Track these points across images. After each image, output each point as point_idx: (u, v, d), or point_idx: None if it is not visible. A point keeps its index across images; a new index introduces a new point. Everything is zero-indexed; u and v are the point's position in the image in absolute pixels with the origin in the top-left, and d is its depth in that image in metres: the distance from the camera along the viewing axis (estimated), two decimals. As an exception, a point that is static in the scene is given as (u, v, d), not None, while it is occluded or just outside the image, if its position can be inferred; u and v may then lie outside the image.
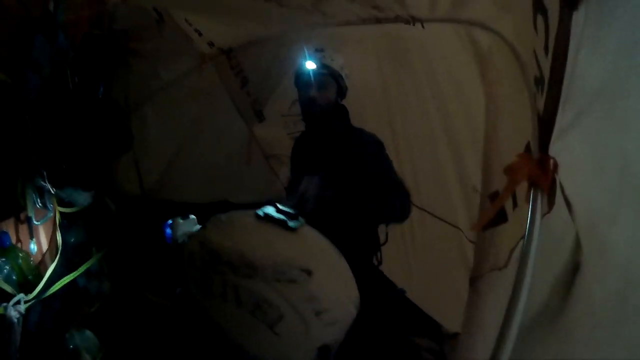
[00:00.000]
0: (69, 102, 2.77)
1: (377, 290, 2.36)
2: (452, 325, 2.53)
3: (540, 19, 0.94)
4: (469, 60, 1.91)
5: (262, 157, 3.78)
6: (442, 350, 2.50)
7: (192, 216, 2.30)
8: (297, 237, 1.28)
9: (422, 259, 2.82)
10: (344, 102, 2.42)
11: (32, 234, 2.39)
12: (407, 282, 2.80)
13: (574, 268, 0.82)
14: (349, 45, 2.76)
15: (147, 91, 3.54)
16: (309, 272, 1.12)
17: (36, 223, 2.38)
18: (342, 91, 2.38)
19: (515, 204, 1.04)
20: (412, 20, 2.25)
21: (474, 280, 1.44)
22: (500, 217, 1.12)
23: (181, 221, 2.26)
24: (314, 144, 2.37)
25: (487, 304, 1.38)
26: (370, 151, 2.24)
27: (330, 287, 1.20)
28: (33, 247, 2.38)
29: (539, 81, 0.91)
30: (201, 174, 3.68)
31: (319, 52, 2.39)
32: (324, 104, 2.34)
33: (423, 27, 2.26)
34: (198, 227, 2.26)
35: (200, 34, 3.13)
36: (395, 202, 2.09)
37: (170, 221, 2.27)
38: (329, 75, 2.34)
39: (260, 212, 1.39)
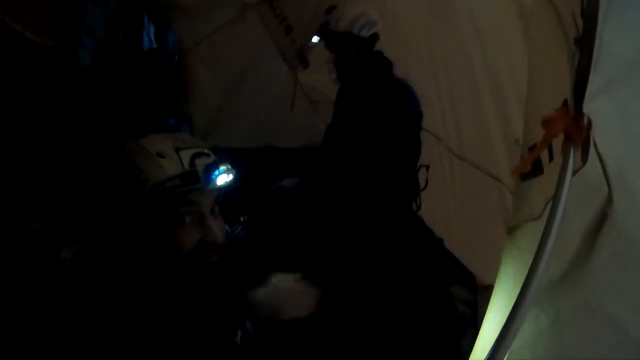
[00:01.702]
0: (116, 57, 2.88)
1: (415, 237, 2.44)
2: (486, 277, 2.56)
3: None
4: (513, 17, 1.89)
5: (307, 103, 3.83)
6: (476, 301, 2.55)
7: None
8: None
9: (462, 209, 2.84)
10: (388, 51, 2.44)
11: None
12: (445, 230, 2.85)
13: (603, 217, 0.87)
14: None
15: (189, 42, 3.61)
16: None
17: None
18: (365, 42, 2.38)
19: (551, 157, 1.07)
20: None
21: (512, 230, 1.48)
22: (537, 169, 1.15)
23: None
24: (352, 96, 2.42)
25: (522, 252, 1.43)
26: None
27: None
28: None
29: (577, 42, 0.93)
30: (248, 119, 3.78)
31: (328, 14, 2.43)
32: (348, 60, 2.40)
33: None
34: None
35: (242, -17, 3.15)
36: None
37: None
38: (339, 37, 2.38)
39: None
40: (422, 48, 2.76)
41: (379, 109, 2.24)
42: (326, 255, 2.12)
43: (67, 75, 2.49)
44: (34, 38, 2.32)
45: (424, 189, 2.52)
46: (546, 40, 1.28)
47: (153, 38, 3.72)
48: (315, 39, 2.49)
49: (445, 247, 2.77)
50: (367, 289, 2.09)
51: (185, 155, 1.04)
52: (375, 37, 2.40)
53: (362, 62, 2.38)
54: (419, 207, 2.52)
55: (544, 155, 1.08)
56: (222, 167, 1.06)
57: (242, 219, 2.38)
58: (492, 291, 1.40)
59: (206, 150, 1.10)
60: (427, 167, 2.56)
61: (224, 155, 1.11)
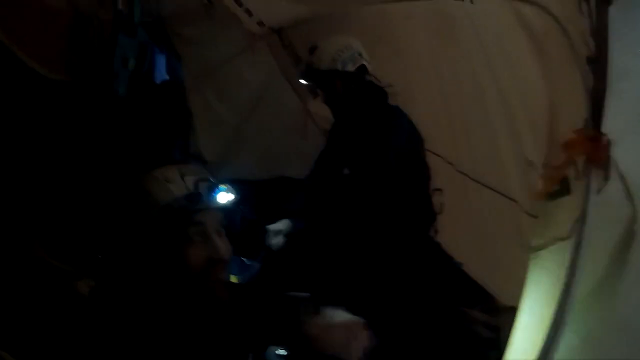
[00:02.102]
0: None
1: (434, 262, 2.41)
2: (507, 299, 2.48)
3: (584, 4, 0.99)
4: (520, 36, 1.91)
5: (318, 132, 3.83)
6: (498, 323, 2.50)
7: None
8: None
9: (478, 231, 2.82)
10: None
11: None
12: (463, 254, 2.82)
13: (630, 236, 0.87)
14: (398, 21, 2.78)
15: (199, 73, 3.65)
16: None
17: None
18: (352, 77, 2.38)
19: (578, 177, 1.07)
20: (462, -5, 2.24)
21: (537, 250, 1.47)
22: (564, 189, 1.16)
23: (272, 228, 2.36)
24: (344, 131, 2.42)
25: (549, 272, 1.41)
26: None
27: None
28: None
29: (590, 61, 0.95)
30: (259, 149, 3.78)
31: (312, 54, 2.44)
32: (337, 97, 2.42)
33: (472, 2, 2.24)
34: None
35: (250, 15, 3.19)
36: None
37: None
38: (324, 76, 2.39)
39: None
40: (430, 71, 2.78)
41: (368, 138, 2.24)
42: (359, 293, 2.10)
43: (87, 108, 2.51)
44: (39, 69, 2.33)
45: (440, 213, 2.50)
46: (558, 60, 1.30)
47: (164, 70, 3.76)
48: (302, 81, 2.51)
49: (464, 271, 2.73)
50: (388, 318, 2.06)
51: (190, 181, 1.17)
52: (362, 69, 2.40)
53: (350, 97, 2.38)
54: (436, 232, 2.50)
55: (571, 176, 1.09)
56: (222, 187, 1.19)
57: (261, 255, 2.38)
58: (513, 313, 1.39)
59: (209, 177, 1.23)
60: (441, 191, 2.55)
61: (236, 187, 1.22)
